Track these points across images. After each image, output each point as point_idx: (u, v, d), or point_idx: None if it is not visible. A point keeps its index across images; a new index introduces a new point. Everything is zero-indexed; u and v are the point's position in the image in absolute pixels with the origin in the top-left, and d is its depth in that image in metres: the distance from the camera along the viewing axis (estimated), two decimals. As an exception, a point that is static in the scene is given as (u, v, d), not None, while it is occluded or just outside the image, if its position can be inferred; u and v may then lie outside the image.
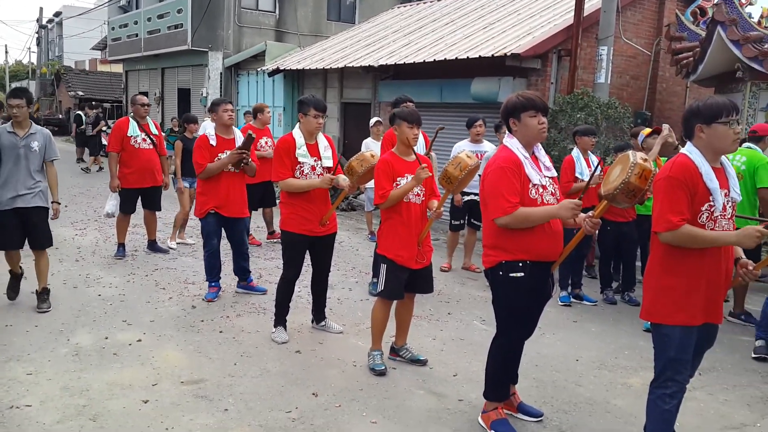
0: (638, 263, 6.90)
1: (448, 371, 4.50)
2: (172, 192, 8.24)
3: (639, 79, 11.30)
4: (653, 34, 11.33)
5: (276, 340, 4.90)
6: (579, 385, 4.38)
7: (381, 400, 3.97)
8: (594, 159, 6.70)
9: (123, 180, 7.28)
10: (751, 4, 9.62)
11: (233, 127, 6.04)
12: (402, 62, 11.27)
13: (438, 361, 4.67)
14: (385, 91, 12.42)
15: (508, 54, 9.40)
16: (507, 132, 3.59)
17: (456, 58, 10.20)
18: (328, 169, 4.94)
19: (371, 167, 4.57)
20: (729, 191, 3.03)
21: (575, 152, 6.61)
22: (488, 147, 7.52)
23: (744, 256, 3.10)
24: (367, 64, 12.06)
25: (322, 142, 4.98)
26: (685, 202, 2.91)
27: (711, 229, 2.95)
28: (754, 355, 5.06)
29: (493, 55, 9.62)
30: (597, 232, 4.18)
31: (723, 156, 3.07)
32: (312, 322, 5.30)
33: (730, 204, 3.04)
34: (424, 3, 16.31)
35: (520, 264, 3.41)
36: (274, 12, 19.50)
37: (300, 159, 4.82)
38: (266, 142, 8.22)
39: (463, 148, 7.27)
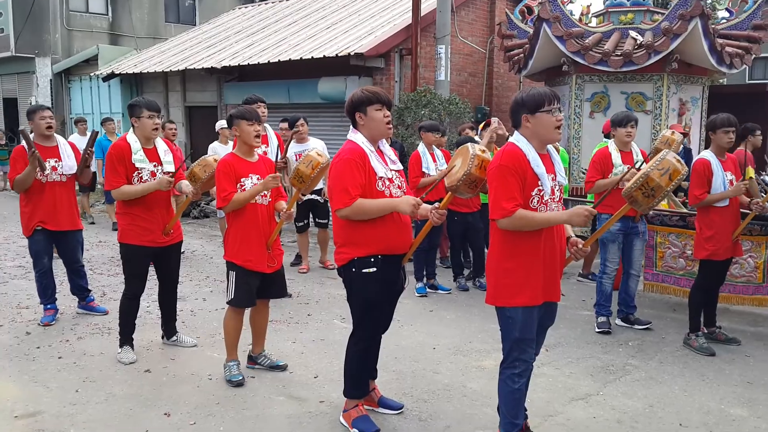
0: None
1: (309, 374, 4.42)
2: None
3: (476, 75, 11.84)
4: (487, 32, 11.92)
5: (122, 361, 4.56)
6: (437, 373, 4.48)
7: (239, 412, 3.81)
8: (439, 154, 6.90)
9: None
10: (571, 2, 10.38)
11: (55, 135, 5.52)
12: (246, 63, 11.02)
13: (298, 364, 4.58)
14: (231, 93, 12.08)
15: (352, 53, 9.48)
16: (351, 127, 3.57)
17: (301, 58, 10.13)
18: (170, 175, 4.67)
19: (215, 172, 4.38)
20: (555, 176, 3.20)
21: (421, 147, 6.78)
22: (315, 143, 7.40)
23: (573, 235, 3.30)
24: (210, 66, 11.66)
25: (161, 146, 4.70)
26: (517, 188, 3.04)
27: (543, 212, 3.10)
28: (597, 330, 5.42)
29: (337, 54, 9.66)
30: (446, 223, 4.29)
31: (551, 145, 3.24)
32: (162, 337, 5.00)
33: (557, 188, 3.21)
34: (266, 3, 16.06)
35: (372, 259, 3.41)
36: (107, 14, 18.36)
37: (137, 165, 4.51)
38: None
39: (292, 150, 7.08)
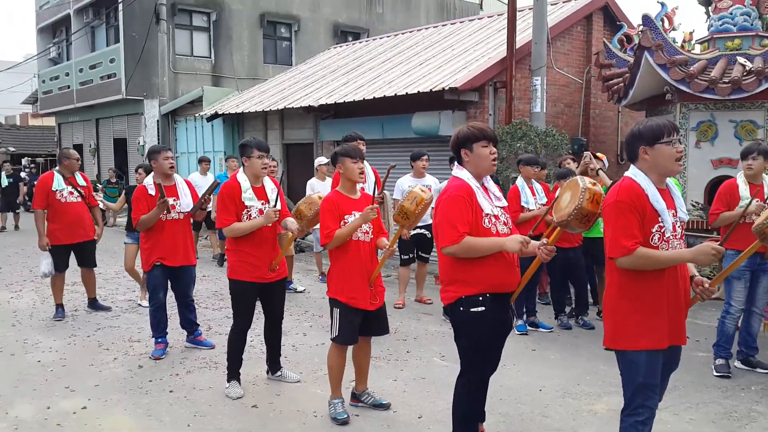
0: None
1: (413, 413, 4.37)
2: (110, 246, 7.91)
3: (573, 106, 11.61)
4: (583, 62, 11.70)
5: (230, 396, 4.67)
6: (545, 416, 4.32)
7: (346, 451, 3.81)
8: (539, 187, 6.77)
9: (52, 236, 6.93)
10: (674, 29, 10.04)
11: (174, 174, 5.83)
12: (342, 101, 11.29)
13: (401, 403, 4.54)
14: (327, 130, 12.40)
15: (446, 88, 9.53)
16: (456, 164, 3.56)
17: (395, 94, 10.28)
18: (277, 213, 4.81)
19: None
20: (676, 211, 3.05)
21: (520, 181, 6.69)
22: (431, 181, 7.54)
23: (698, 274, 3.12)
24: (307, 104, 12.04)
25: (268, 185, 4.87)
26: (636, 224, 2.91)
27: (665, 250, 2.96)
28: (715, 374, 5.10)
29: (431, 90, 9.73)
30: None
31: (668, 178, 3.10)
32: (267, 373, 5.09)
33: (678, 224, 3.06)
34: (360, 42, 16.48)
35: (480, 298, 3.35)
36: (210, 57, 19.39)
37: (247, 203, 4.69)
38: None
39: (409, 183, 7.27)
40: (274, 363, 5.06)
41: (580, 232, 3.37)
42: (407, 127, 10.55)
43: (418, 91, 9.92)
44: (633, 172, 3.04)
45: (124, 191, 7.87)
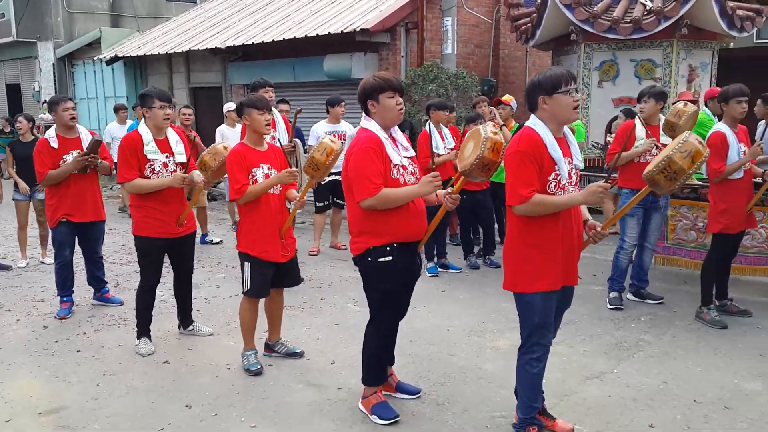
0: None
1: (326, 360, 4.46)
2: (9, 200, 7.48)
3: (483, 47, 11.69)
4: (493, 1, 11.72)
5: (141, 353, 4.62)
6: (452, 355, 4.52)
7: (259, 402, 3.86)
8: (447, 132, 6.86)
9: None
10: (578, -31, 10.15)
11: (77, 125, 5.52)
12: (250, 42, 10.91)
13: (315, 350, 4.63)
14: (236, 73, 12.02)
15: (357, 29, 9.37)
16: (364, 115, 3.55)
17: (306, 35, 10.02)
18: (182, 165, 4.68)
19: (225, 160, 4.37)
20: (572, 159, 3.18)
21: (429, 126, 6.73)
22: (346, 127, 7.50)
23: (590, 218, 3.29)
24: (214, 46, 11.57)
25: (172, 136, 4.70)
26: (534, 173, 3.02)
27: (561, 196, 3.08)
28: (609, 306, 5.44)
29: (343, 31, 9.54)
30: None
31: (566, 125, 3.20)
32: (179, 327, 5.05)
33: (574, 171, 3.19)
34: (267, -21, 15.83)
35: (388, 248, 3.41)
36: (107, -5, 18.16)
37: (149, 156, 4.51)
38: None
39: (324, 129, 7.20)
40: (185, 317, 5.02)
41: (483, 180, 3.45)
42: (319, 70, 10.36)
43: (329, 33, 9.70)
44: (533, 122, 3.13)
45: (8, 146, 7.33)
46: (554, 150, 3.05)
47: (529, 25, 10.02)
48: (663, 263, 6.17)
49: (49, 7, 16.48)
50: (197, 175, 4.57)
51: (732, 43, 12.34)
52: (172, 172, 4.58)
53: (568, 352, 4.50)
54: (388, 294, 3.51)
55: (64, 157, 5.27)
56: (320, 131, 7.15)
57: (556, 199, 3.03)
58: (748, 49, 12.67)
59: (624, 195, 5.39)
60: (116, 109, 10.40)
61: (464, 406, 3.75)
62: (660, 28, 8.77)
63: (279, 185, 4.18)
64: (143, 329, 4.74)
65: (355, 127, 7.07)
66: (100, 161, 5.31)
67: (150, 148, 4.51)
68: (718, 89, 7.41)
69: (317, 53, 10.29)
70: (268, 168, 4.14)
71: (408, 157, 3.55)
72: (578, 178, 3.25)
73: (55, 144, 5.29)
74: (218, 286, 6.30)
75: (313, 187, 5.22)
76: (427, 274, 6.52)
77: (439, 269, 6.68)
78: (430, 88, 9.11)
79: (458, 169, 3.38)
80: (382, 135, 3.41)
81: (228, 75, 12.27)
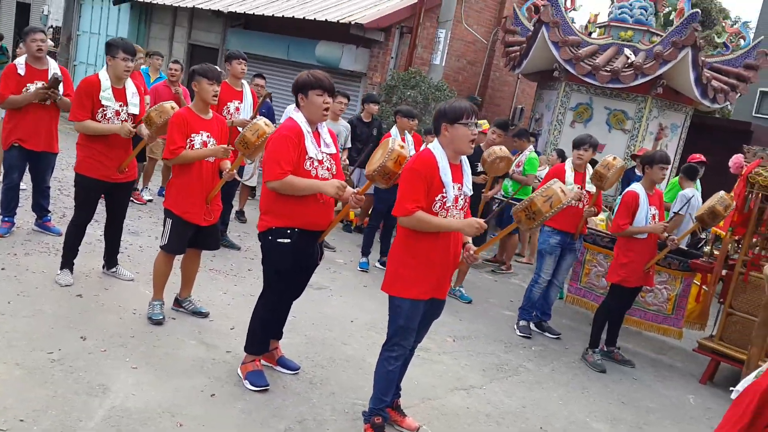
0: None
1: (227, 324, 4.76)
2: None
3: (475, 64, 12.00)
4: (493, 23, 12.04)
5: (59, 282, 4.89)
6: (345, 344, 4.83)
7: (149, 348, 4.15)
8: (410, 138, 7.13)
9: None
10: (575, 9, 10.50)
11: (47, 57, 5.75)
12: (252, 12, 11.15)
13: (221, 314, 4.92)
14: (235, 39, 12.24)
15: (353, 23, 9.64)
16: (294, 105, 3.84)
17: (304, 17, 10.28)
18: (134, 117, 4.94)
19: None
20: (462, 186, 3.48)
21: (394, 131, 7.02)
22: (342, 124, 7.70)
23: (471, 242, 3.60)
24: (217, 9, 11.79)
25: (130, 87, 4.96)
26: (422, 191, 3.32)
27: (444, 217, 3.39)
28: (518, 333, 5.76)
29: (338, 21, 9.81)
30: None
31: (463, 155, 3.50)
32: (103, 267, 5.32)
33: (462, 197, 3.49)
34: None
35: (288, 231, 3.71)
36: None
37: (104, 102, 4.78)
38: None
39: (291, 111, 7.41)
40: (110, 259, 5.29)
41: (384, 187, 3.75)
42: (311, 53, 10.62)
43: (326, 19, 9.98)
44: (433, 146, 3.43)
45: None
46: (445, 174, 3.35)
47: (518, 53, 10.34)
48: (573, 303, 6.51)
49: (71, -65, 16.54)
50: (142, 128, 4.83)
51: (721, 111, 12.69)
52: (123, 121, 4.84)
53: (451, 363, 4.83)
54: (280, 273, 3.81)
55: (28, 85, 5.52)
56: (291, 111, 7.37)
57: (436, 220, 3.34)
58: (723, 120, 13.06)
59: (544, 233, 5.71)
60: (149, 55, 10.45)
61: (333, 389, 4.07)
62: (636, 82, 9.13)
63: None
64: (67, 261, 5.01)
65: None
66: (61, 96, 5.56)
67: (106, 95, 4.78)
68: (697, 156, 7.73)
69: (312, 36, 10.55)
70: (208, 136, 4.42)
71: (328, 154, 3.85)
72: (466, 204, 3.55)
73: (22, 71, 5.54)
74: (157, 237, 6.55)
75: (243, 164, 5.44)
76: (358, 268, 6.83)
77: (378, 265, 6.79)
78: (409, 93, 9.40)
79: (366, 173, 3.69)
80: (305, 127, 3.70)
81: (227, 39, 12.48)
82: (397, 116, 7.09)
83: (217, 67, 4.60)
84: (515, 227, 3.49)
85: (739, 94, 9.96)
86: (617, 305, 5.34)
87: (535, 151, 8.31)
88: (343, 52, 10.20)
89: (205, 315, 4.80)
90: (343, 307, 5.59)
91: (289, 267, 3.81)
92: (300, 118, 3.74)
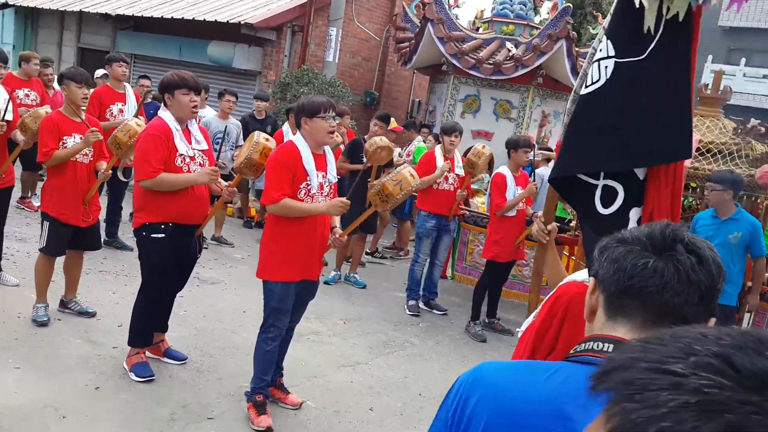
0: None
1: (115, 323, 4.82)
2: None
3: (370, 60, 12.32)
4: (385, 20, 12.39)
5: (-62, 293, 4.82)
6: (235, 333, 4.99)
7: (34, 349, 4.18)
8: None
9: None
10: (458, 6, 10.98)
11: None
12: (140, 14, 11.04)
13: (109, 314, 4.97)
14: (125, 42, 12.06)
15: (243, 23, 9.74)
16: (162, 105, 3.97)
17: (193, 18, 10.29)
18: (8, 123, 4.91)
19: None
20: (327, 174, 3.73)
21: (286, 127, 7.21)
22: (205, 113, 7.82)
23: (338, 226, 3.85)
24: (105, 12, 11.58)
25: (1, 93, 4.93)
26: (287, 180, 3.54)
27: (309, 203, 3.62)
28: (408, 313, 6.07)
29: (228, 21, 9.88)
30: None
31: (325, 146, 3.75)
32: (-14, 275, 5.26)
33: (327, 184, 3.74)
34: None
35: (162, 226, 3.84)
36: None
37: None
38: (26, 94, 7.19)
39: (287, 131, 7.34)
40: (-7, 266, 5.23)
41: (252, 179, 3.95)
42: (204, 53, 10.63)
43: (216, 20, 10.02)
44: (296, 138, 3.66)
45: None
46: (308, 163, 3.59)
47: (408, 49, 10.72)
48: (460, 281, 6.91)
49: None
50: (18, 134, 4.82)
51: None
52: None
53: (339, 344, 5.08)
54: (157, 267, 3.94)
55: None
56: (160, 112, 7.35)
57: (301, 205, 3.57)
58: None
59: (421, 217, 6.06)
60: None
61: (220, 375, 4.23)
62: (517, 74, 9.68)
63: (90, 155, 4.51)
64: (-55, 271, 4.94)
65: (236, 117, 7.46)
66: None
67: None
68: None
69: (204, 37, 10.56)
70: (80, 138, 4.47)
71: (200, 150, 4.01)
72: (332, 190, 3.80)
73: None
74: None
75: (116, 165, 5.41)
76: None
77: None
78: (302, 90, 9.59)
79: (234, 167, 3.89)
80: (173, 126, 3.85)
81: (117, 42, 12.27)
82: (289, 114, 7.26)
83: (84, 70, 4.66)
84: (373, 210, 3.77)
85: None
86: (493, 279, 5.74)
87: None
88: (235, 52, 10.27)
89: (92, 315, 4.84)
90: (236, 301, 5.73)
91: (165, 261, 3.94)
92: (168, 117, 3.88)
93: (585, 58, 9.92)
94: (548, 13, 10.74)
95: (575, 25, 17.25)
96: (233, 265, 6.82)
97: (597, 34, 11.42)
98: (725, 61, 24.36)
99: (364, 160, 6.46)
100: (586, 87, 2.69)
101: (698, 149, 5.02)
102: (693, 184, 5.43)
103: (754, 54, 25.04)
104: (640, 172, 2.61)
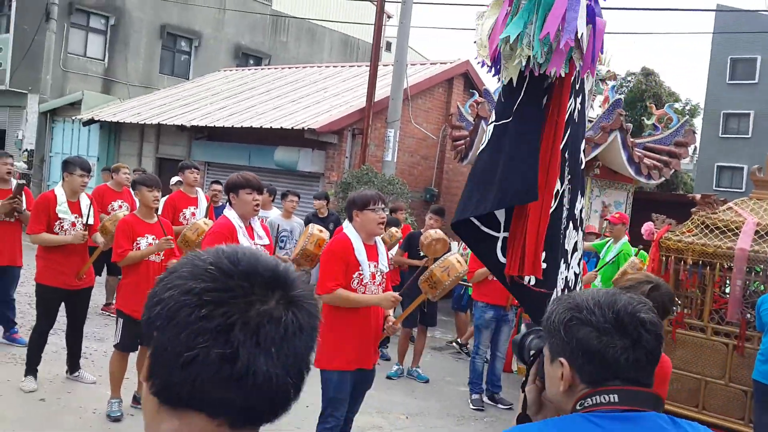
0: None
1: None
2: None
3: (429, 158, 12.72)
4: (442, 120, 12.86)
5: (24, 389, 5.10)
6: (299, 429, 5.04)
7: (107, 442, 4.38)
8: None
9: None
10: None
11: (12, 178, 6.22)
12: (213, 125, 11.88)
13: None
14: (199, 150, 12.91)
15: (306, 128, 10.34)
16: (228, 204, 4.29)
17: (261, 126, 10.99)
18: (90, 227, 5.34)
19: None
20: (378, 263, 3.90)
21: (346, 223, 7.45)
22: (270, 214, 8.17)
23: (392, 314, 3.98)
24: (181, 123, 12.52)
25: (84, 200, 5.40)
26: (341, 271, 3.73)
27: (362, 293, 3.78)
28: (472, 407, 6.01)
29: (293, 127, 10.51)
30: None
31: (377, 237, 3.95)
32: (66, 372, 5.55)
33: (379, 273, 3.90)
34: (249, 70, 17.14)
35: None
36: (103, 60, 19.33)
37: (60, 215, 5.19)
38: (120, 206, 7.37)
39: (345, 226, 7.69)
40: (72, 363, 5.53)
41: (308, 269, 4.16)
42: (271, 158, 11.27)
43: (281, 127, 10.68)
44: (347, 229, 3.88)
45: None
46: (360, 254, 3.78)
47: (464, 146, 11.06)
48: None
49: (42, 63, 17.58)
50: (98, 236, 5.23)
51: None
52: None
53: (400, 438, 5.07)
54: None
55: None
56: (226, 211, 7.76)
57: (354, 296, 3.74)
58: (665, 195, 13.82)
59: (478, 308, 6.09)
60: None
61: None
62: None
63: (161, 254, 4.85)
64: (30, 368, 5.25)
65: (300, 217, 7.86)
66: (24, 209, 5.93)
67: (62, 208, 5.20)
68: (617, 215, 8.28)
69: (271, 143, 11.23)
70: (153, 239, 4.83)
71: (262, 245, 4.26)
72: (384, 279, 3.95)
73: None
74: (120, 342, 6.82)
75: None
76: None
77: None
78: (362, 189, 9.96)
79: (291, 257, 4.12)
80: (236, 223, 4.13)
81: (192, 151, 13.16)
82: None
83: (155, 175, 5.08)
84: (425, 297, 3.89)
85: (672, 170, 10.67)
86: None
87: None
88: (300, 156, 10.85)
89: (162, 409, 5.01)
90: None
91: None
92: (232, 215, 4.17)
93: (642, 149, 9.95)
94: (600, 106, 10.92)
95: (635, 117, 17.47)
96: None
97: (651, 124, 11.55)
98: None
99: (421, 253, 6.63)
100: (480, 149, 3.09)
101: (757, 232, 4.95)
102: (758, 268, 5.32)
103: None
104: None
